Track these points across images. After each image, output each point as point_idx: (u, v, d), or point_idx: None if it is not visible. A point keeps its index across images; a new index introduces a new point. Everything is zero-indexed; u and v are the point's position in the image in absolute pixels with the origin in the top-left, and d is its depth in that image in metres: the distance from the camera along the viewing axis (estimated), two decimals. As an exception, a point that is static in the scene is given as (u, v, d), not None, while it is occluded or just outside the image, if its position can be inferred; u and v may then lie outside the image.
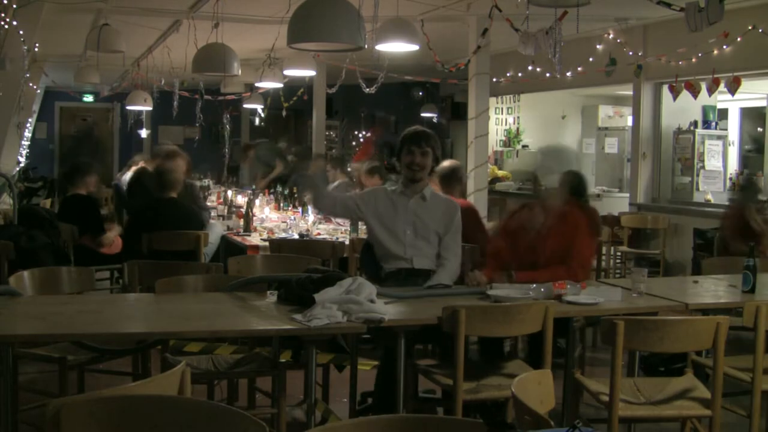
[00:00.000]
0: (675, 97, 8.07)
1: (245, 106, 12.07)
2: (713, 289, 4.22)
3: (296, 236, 6.12)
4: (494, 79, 9.09)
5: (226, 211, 7.61)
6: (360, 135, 13.88)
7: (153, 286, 4.23)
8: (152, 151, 9.64)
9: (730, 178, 8.78)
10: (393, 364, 3.39)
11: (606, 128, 10.68)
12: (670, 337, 3.11)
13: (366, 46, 4.41)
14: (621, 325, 3.08)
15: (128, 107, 11.43)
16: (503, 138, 11.78)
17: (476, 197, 7.83)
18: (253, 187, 9.19)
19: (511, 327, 3.37)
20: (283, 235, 6.24)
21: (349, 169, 8.77)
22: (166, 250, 5.31)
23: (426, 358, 4.06)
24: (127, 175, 9.07)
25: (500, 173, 11.25)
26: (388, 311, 3.21)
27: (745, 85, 7.54)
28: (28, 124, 13.03)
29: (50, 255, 5.61)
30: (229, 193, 8.81)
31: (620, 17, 8.05)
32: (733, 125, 9.68)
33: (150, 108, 11.07)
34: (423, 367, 3.61)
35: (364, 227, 4.38)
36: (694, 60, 7.51)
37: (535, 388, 2.40)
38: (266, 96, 11.36)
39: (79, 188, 6.47)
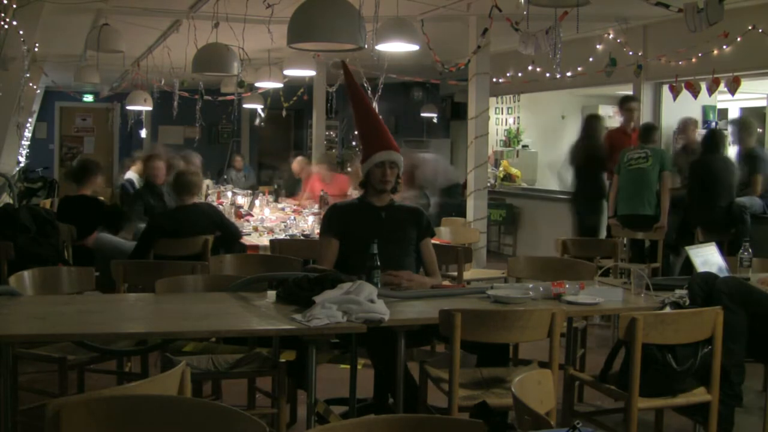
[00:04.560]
0: (675, 97, 8.07)
1: (245, 106, 12.08)
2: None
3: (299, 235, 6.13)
4: (494, 79, 9.09)
5: (233, 211, 7.62)
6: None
7: (139, 286, 4.23)
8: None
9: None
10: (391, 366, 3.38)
11: (606, 128, 10.67)
12: (683, 329, 3.26)
13: (366, 46, 4.41)
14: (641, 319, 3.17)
15: (128, 107, 11.42)
16: (503, 138, 11.78)
17: (476, 197, 7.84)
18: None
19: (511, 333, 3.25)
20: (283, 235, 6.24)
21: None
22: (172, 255, 5.24)
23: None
24: (128, 174, 9.07)
25: (513, 170, 11.24)
26: (388, 311, 3.20)
27: (745, 85, 7.54)
28: (28, 124, 13.03)
29: (50, 255, 5.60)
30: (229, 193, 8.82)
31: (620, 17, 8.05)
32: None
33: (150, 108, 11.07)
34: (434, 375, 3.48)
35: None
36: (694, 60, 7.51)
37: (535, 387, 2.40)
38: (266, 96, 11.36)
39: (86, 188, 6.46)
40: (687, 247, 4.21)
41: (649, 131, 7.25)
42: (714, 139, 6.97)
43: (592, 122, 7.97)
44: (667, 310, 3.44)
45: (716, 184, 6.78)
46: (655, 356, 3.26)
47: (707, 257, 4.09)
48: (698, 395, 3.36)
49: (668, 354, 3.28)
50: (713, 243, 4.31)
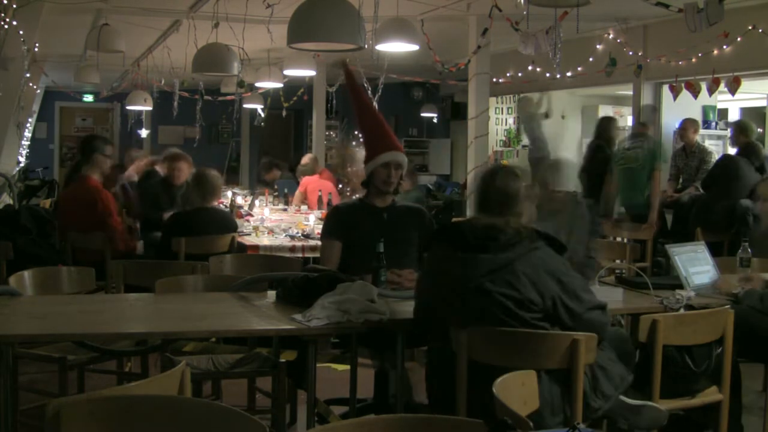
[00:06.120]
0: (675, 97, 8.07)
1: (245, 106, 12.07)
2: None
3: (299, 235, 6.13)
4: (494, 79, 9.08)
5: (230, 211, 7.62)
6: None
7: (138, 285, 4.22)
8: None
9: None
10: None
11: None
12: (701, 330, 3.24)
13: (366, 46, 4.41)
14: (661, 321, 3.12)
15: (128, 107, 11.41)
16: (503, 138, 11.78)
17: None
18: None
19: (521, 358, 2.75)
20: (284, 235, 6.24)
21: None
22: (201, 254, 5.16)
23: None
24: (129, 174, 9.07)
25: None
26: (388, 311, 3.20)
27: (745, 85, 7.54)
28: (28, 124, 13.02)
29: (50, 256, 5.60)
30: (229, 193, 8.81)
31: (620, 17, 8.05)
32: (734, 125, 9.68)
33: (150, 108, 11.06)
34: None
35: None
36: (694, 60, 7.51)
37: (518, 388, 2.39)
38: (266, 96, 11.36)
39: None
40: (667, 246, 4.17)
41: (648, 113, 7.29)
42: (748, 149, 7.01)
43: (604, 124, 7.95)
44: (682, 311, 3.44)
45: (740, 185, 6.79)
46: (675, 358, 3.26)
47: (693, 257, 4.01)
48: (710, 395, 3.36)
49: (686, 355, 3.28)
50: (702, 242, 4.28)
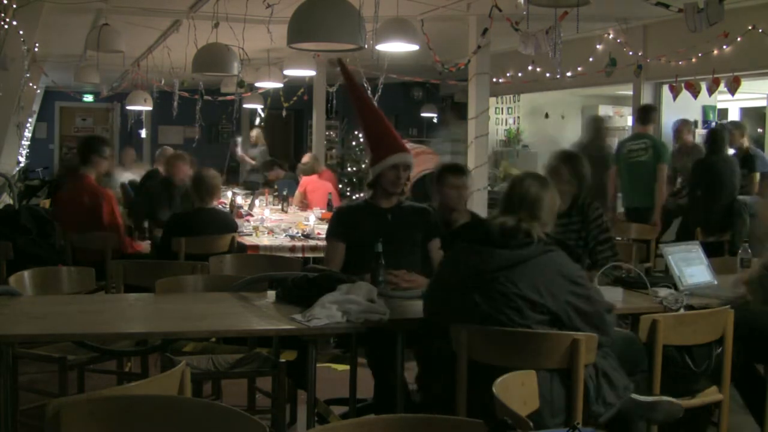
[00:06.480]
0: (675, 97, 8.07)
1: (245, 106, 12.08)
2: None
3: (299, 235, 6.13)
4: (494, 79, 9.09)
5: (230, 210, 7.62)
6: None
7: (138, 285, 4.23)
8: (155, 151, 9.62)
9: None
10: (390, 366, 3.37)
11: (606, 128, 10.67)
12: (701, 330, 3.24)
13: (366, 46, 4.41)
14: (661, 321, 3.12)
15: (128, 107, 11.41)
16: (503, 138, 11.78)
17: (476, 197, 7.83)
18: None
19: (520, 358, 2.73)
20: (283, 235, 6.24)
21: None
22: (201, 254, 5.14)
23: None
24: (129, 175, 9.08)
25: (513, 171, 11.23)
26: (388, 311, 3.20)
27: (745, 85, 7.55)
28: (28, 124, 13.02)
29: (50, 256, 5.59)
30: (230, 193, 8.81)
31: (620, 17, 8.05)
32: (733, 125, 9.67)
33: (150, 108, 11.06)
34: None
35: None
36: (694, 60, 7.51)
37: (518, 388, 2.39)
38: (266, 96, 11.36)
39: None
40: (661, 245, 4.16)
41: (648, 112, 7.28)
42: (715, 139, 6.96)
43: (595, 123, 7.99)
44: (682, 311, 3.43)
45: (719, 185, 6.77)
46: (675, 358, 3.26)
47: (686, 257, 4.00)
48: (710, 395, 3.36)
49: (686, 355, 3.28)
50: (697, 242, 4.27)
